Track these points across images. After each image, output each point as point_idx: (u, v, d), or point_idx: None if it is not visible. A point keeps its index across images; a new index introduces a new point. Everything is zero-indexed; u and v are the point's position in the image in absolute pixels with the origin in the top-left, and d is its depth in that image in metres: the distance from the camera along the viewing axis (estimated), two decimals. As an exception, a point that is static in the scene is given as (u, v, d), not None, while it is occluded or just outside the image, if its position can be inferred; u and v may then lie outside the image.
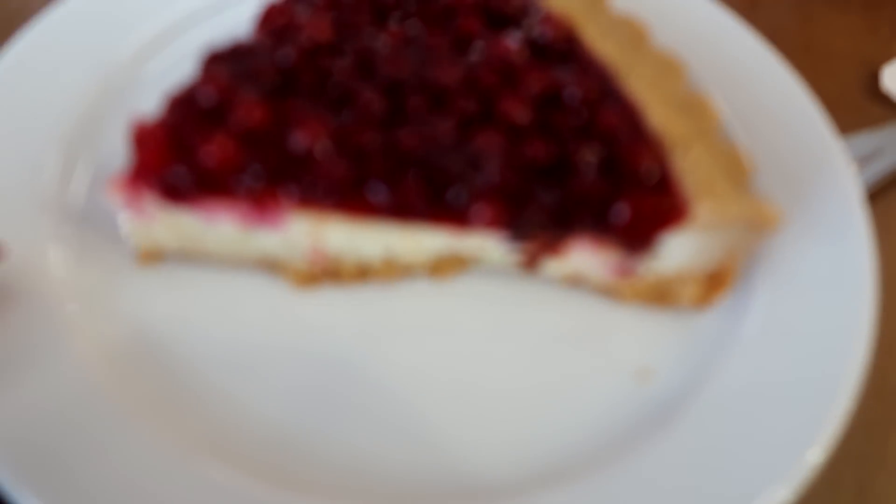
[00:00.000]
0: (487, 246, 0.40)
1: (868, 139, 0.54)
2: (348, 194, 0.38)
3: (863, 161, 0.52)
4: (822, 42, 0.64)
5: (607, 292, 0.43)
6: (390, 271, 0.42)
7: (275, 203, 0.38)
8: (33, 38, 0.46)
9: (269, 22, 0.43)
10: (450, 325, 0.42)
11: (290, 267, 0.42)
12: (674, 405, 0.38)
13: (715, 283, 0.41)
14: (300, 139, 0.37)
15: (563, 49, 0.43)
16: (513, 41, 0.42)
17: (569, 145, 0.38)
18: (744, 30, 0.52)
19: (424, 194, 0.37)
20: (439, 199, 0.38)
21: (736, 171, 0.38)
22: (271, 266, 0.42)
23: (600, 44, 0.43)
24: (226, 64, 0.40)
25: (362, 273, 0.42)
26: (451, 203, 0.38)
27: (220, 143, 0.36)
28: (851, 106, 0.58)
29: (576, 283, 0.43)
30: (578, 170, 0.37)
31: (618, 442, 0.37)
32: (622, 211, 0.37)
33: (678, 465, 0.35)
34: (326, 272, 0.42)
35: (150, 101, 0.39)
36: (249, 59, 0.40)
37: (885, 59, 0.62)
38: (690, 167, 0.38)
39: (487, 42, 0.42)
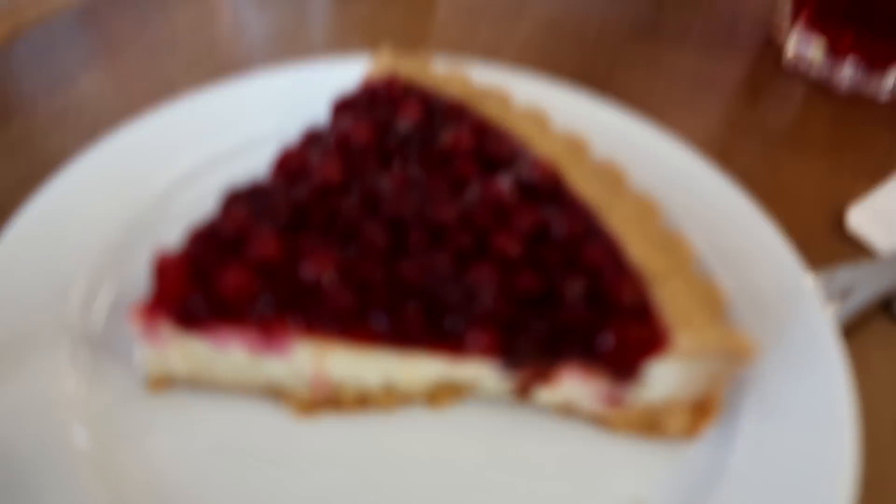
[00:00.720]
0: (482, 373, 0.42)
1: (839, 275, 0.57)
2: (351, 322, 0.40)
3: (834, 297, 0.55)
4: (791, 186, 0.70)
5: (599, 422, 0.44)
6: (389, 399, 0.44)
7: (283, 330, 0.40)
8: (70, 175, 0.51)
9: (285, 165, 0.47)
10: (446, 455, 0.43)
11: (293, 395, 0.44)
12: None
13: (701, 412, 0.43)
14: (309, 270, 0.40)
15: (550, 190, 0.47)
16: (504, 183, 0.47)
17: (556, 278, 0.41)
18: (716, 174, 0.57)
19: (423, 323, 0.40)
20: (437, 327, 0.40)
21: (712, 303, 0.41)
22: (276, 393, 0.44)
23: (583, 185, 0.48)
24: (244, 202, 0.44)
25: (362, 401, 0.44)
26: (448, 331, 0.40)
27: (236, 273, 0.40)
28: (820, 245, 0.62)
29: (568, 412, 0.44)
30: (565, 300, 0.40)
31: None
32: (607, 339, 0.40)
33: None
34: (328, 400, 0.44)
35: (173, 235, 0.42)
36: (266, 198, 0.45)
37: (848, 199, 0.67)
38: (669, 299, 0.41)
39: (481, 184, 0.47)
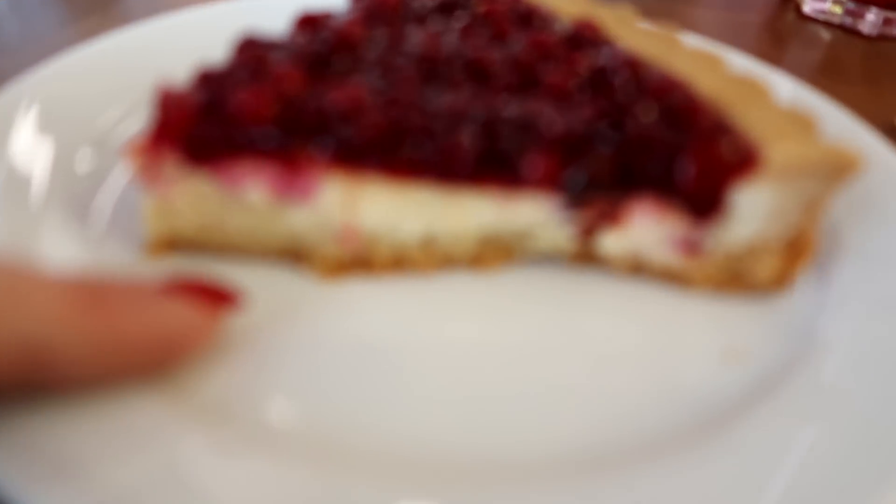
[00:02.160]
0: (540, 216, 0.36)
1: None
2: (387, 150, 0.34)
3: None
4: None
5: (673, 279, 0.38)
6: (429, 259, 0.38)
7: (307, 164, 0.35)
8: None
9: (306, 24, 0.42)
10: (493, 324, 0.36)
11: (317, 254, 0.37)
12: (769, 383, 0.32)
13: (794, 254, 0.36)
14: (336, 99, 0.35)
15: (597, 42, 0.42)
16: (549, 33, 0.42)
17: (623, 104, 0.36)
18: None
19: (471, 149, 0.34)
20: (487, 155, 0.35)
21: (802, 122, 0.36)
22: (297, 255, 0.38)
23: (634, 41, 0.43)
24: (261, 48, 0.39)
25: (398, 262, 0.38)
26: (501, 158, 0.35)
27: (252, 93, 0.34)
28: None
29: (637, 268, 0.38)
30: (637, 121, 0.35)
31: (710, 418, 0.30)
32: (687, 163, 0.34)
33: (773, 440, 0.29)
34: (358, 260, 0.38)
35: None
36: (286, 47, 0.40)
37: (894, 115, 0.63)
38: (755, 120, 0.35)
39: (524, 34, 0.42)
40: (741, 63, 0.53)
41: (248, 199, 0.36)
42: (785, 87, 0.51)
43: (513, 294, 0.37)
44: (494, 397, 0.32)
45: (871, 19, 0.81)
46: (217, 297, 0.31)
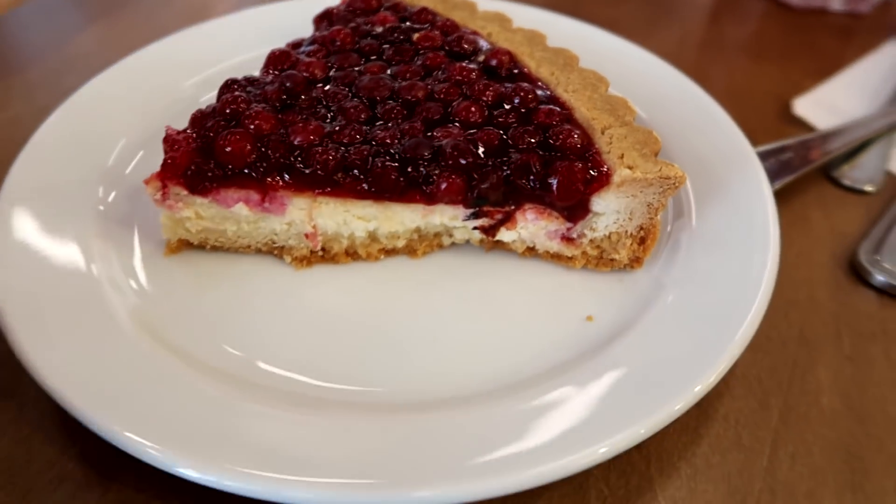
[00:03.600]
0: (453, 221, 0.49)
1: (784, 146, 0.63)
2: (335, 180, 0.47)
3: (778, 164, 0.61)
4: (744, 85, 0.76)
5: (558, 260, 0.51)
6: (374, 251, 0.51)
7: (279, 189, 0.47)
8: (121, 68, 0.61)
9: (274, 61, 0.54)
10: (426, 296, 0.49)
11: (291, 250, 0.50)
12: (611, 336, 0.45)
13: (643, 242, 0.49)
14: (298, 138, 0.47)
15: (509, 71, 0.54)
16: (468, 65, 0.53)
17: (512, 133, 0.48)
18: (668, 66, 0.64)
19: (396, 176, 0.47)
20: (409, 179, 0.47)
21: (649, 145, 0.47)
22: (277, 250, 0.51)
23: (537, 67, 0.54)
24: (240, 88, 0.51)
25: (352, 253, 0.51)
26: (419, 182, 0.47)
27: (235, 139, 0.46)
28: (770, 129, 0.68)
29: (531, 252, 0.51)
30: (519, 149, 0.47)
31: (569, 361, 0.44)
32: (557, 177, 0.46)
33: (617, 373, 0.42)
34: (320, 254, 0.51)
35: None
36: (258, 86, 0.51)
37: (797, 94, 0.73)
38: (611, 144, 0.47)
39: (448, 67, 0.53)
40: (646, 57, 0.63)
41: (238, 213, 0.48)
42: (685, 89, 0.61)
43: (438, 272, 0.51)
44: (421, 347, 0.45)
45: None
46: None
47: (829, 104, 0.71)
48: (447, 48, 0.56)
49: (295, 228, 0.49)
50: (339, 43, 0.56)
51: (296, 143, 0.47)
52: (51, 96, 0.65)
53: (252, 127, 0.47)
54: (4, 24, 0.81)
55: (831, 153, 0.63)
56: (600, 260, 0.50)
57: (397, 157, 0.47)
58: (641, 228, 0.49)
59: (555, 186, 0.46)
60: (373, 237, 0.50)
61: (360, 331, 0.46)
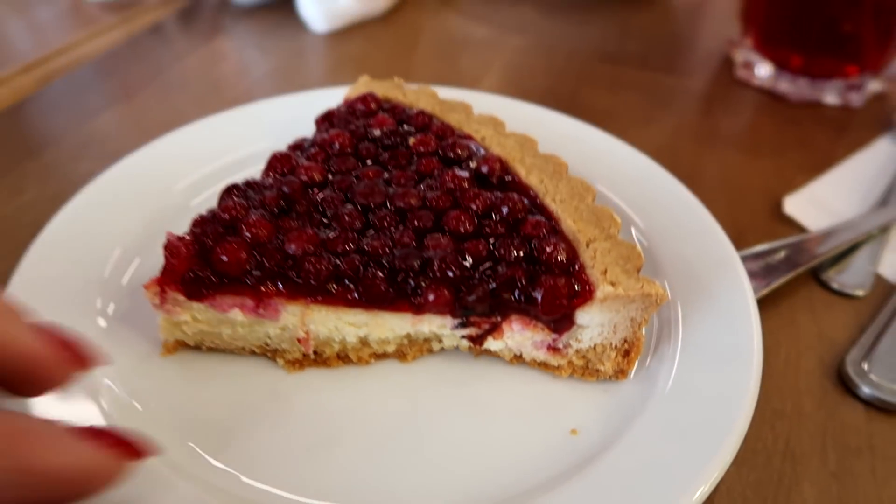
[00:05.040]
0: (441, 330, 0.50)
1: (774, 248, 0.64)
2: (327, 289, 0.48)
3: (768, 266, 0.62)
4: (737, 181, 0.77)
5: (544, 368, 0.51)
6: (365, 355, 0.52)
7: (273, 296, 0.49)
8: (100, 181, 0.62)
9: (274, 164, 0.56)
10: (414, 401, 0.50)
11: (285, 353, 0.51)
12: (596, 451, 0.46)
13: (627, 354, 0.50)
14: (293, 246, 0.49)
15: (499, 178, 0.55)
16: (460, 173, 0.55)
17: (499, 245, 0.49)
18: (658, 168, 0.65)
19: (386, 286, 0.48)
20: (399, 290, 0.48)
21: (632, 260, 0.48)
22: (271, 352, 0.52)
23: (527, 175, 0.56)
24: (239, 193, 0.53)
25: (343, 357, 0.52)
26: (408, 292, 0.48)
27: (231, 249, 0.48)
28: (760, 228, 0.70)
29: (518, 359, 0.52)
30: (506, 262, 0.48)
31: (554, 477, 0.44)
32: (541, 292, 0.47)
33: (600, 490, 0.42)
34: (312, 357, 0.52)
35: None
36: (258, 191, 0.53)
37: (788, 190, 0.74)
38: (595, 259, 0.48)
39: (441, 175, 0.55)
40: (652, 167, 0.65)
41: (233, 318, 0.50)
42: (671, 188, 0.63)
43: (427, 377, 0.52)
44: (406, 465, 0.46)
45: (795, 85, 0.91)
46: (126, 447, 0.34)
47: (820, 203, 0.72)
48: (441, 153, 0.58)
49: (288, 333, 0.51)
50: (338, 146, 0.58)
51: (290, 251, 0.49)
52: (64, 182, 0.69)
53: (249, 235, 0.49)
54: (28, 105, 0.85)
55: (820, 256, 0.63)
56: (586, 370, 0.51)
57: (388, 267, 0.49)
58: (625, 341, 0.50)
59: (539, 300, 0.47)
60: (364, 342, 0.51)
61: (346, 440, 0.47)
